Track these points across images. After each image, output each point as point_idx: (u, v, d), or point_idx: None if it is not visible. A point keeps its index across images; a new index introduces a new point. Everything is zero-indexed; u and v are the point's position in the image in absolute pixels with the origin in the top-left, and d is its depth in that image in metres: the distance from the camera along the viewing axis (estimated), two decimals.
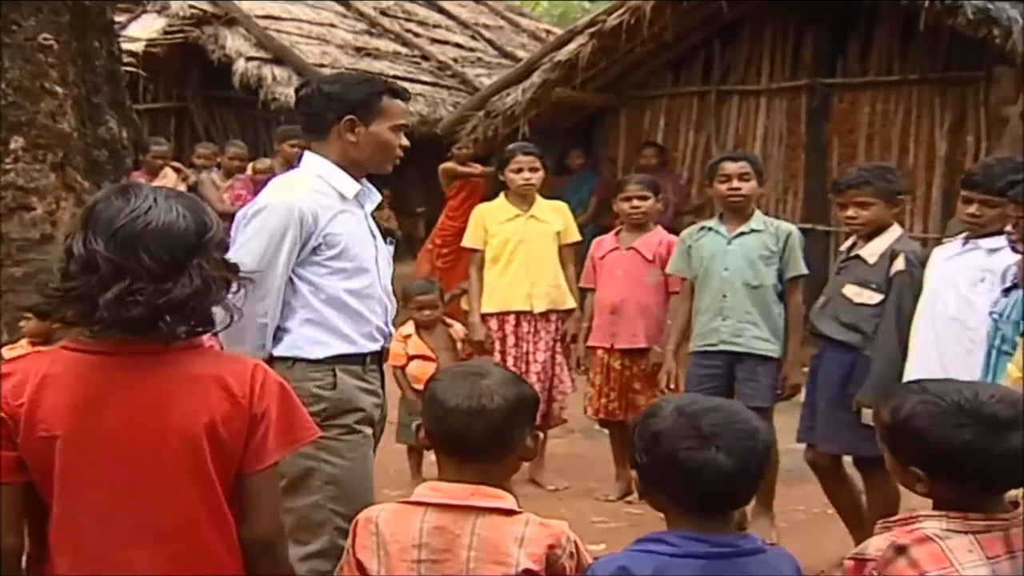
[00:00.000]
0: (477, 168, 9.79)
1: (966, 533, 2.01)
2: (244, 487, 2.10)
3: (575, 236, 6.06)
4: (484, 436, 2.17)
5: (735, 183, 5.17)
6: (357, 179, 3.32)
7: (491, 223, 5.95)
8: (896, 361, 4.46)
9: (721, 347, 5.18)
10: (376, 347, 3.32)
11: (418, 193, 11.42)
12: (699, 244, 5.31)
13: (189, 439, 2.03)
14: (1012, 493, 2.09)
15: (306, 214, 3.18)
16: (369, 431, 3.32)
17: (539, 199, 5.98)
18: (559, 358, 5.96)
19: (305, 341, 3.21)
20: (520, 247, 5.89)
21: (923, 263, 4.70)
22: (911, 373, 4.26)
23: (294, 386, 3.04)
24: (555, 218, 6.00)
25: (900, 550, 1.99)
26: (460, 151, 9.76)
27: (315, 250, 3.20)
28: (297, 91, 3.39)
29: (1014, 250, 3.87)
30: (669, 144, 9.67)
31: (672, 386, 5.38)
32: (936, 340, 4.26)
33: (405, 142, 3.38)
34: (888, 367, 4.50)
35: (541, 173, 5.90)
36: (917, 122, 8.58)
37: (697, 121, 9.59)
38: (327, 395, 3.22)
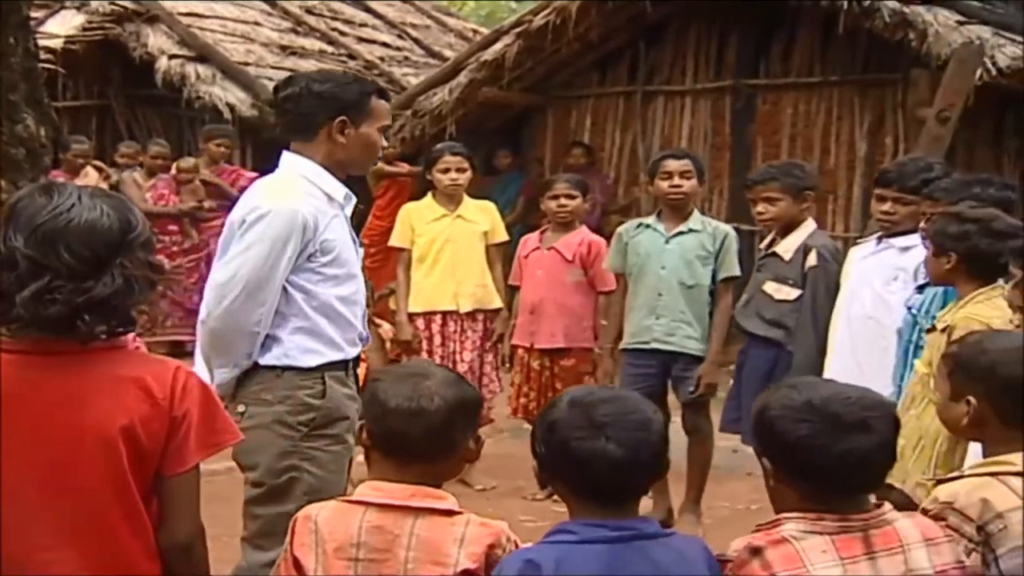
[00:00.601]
0: (404, 167, 9.77)
1: (821, 534, 2.03)
2: (163, 489, 2.08)
3: (502, 236, 6.09)
4: (424, 437, 2.17)
5: (676, 180, 5.18)
6: (341, 181, 3.27)
7: (418, 222, 5.94)
8: (813, 356, 4.56)
9: (654, 345, 5.21)
10: (357, 352, 3.30)
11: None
12: (636, 241, 5.32)
13: (105, 440, 2.01)
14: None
15: (308, 220, 3.11)
16: (352, 440, 3.24)
17: (466, 199, 5.98)
18: (487, 358, 5.98)
19: (297, 350, 3.15)
20: (447, 247, 5.89)
21: (837, 257, 4.81)
22: (828, 372, 4.34)
23: (284, 395, 3.01)
24: (482, 218, 6.01)
25: (755, 552, 2.03)
26: (387, 150, 9.71)
27: (311, 257, 3.14)
28: (279, 88, 3.29)
29: (927, 247, 3.97)
30: (596, 144, 9.72)
31: (610, 385, 5.38)
32: (852, 339, 4.35)
33: (386, 143, 3.36)
34: (806, 362, 4.60)
35: (468, 173, 5.90)
36: (838, 123, 8.72)
37: (623, 121, 9.65)
38: (317, 404, 3.18)
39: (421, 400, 2.18)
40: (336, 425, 3.21)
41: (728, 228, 5.34)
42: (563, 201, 5.74)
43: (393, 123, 9.67)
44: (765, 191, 4.84)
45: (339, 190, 3.24)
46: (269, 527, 3.12)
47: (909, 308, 3.95)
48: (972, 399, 2.32)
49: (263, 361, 3.14)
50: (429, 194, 6.06)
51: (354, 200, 3.33)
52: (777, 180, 4.83)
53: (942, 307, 3.76)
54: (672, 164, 5.23)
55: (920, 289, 3.98)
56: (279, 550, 3.10)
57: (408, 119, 9.63)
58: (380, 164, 9.74)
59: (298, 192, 3.16)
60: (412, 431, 2.18)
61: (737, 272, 5.22)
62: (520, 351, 5.80)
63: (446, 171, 5.86)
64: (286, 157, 3.27)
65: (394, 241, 6.08)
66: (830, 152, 8.75)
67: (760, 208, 4.86)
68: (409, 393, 2.19)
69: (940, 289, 3.81)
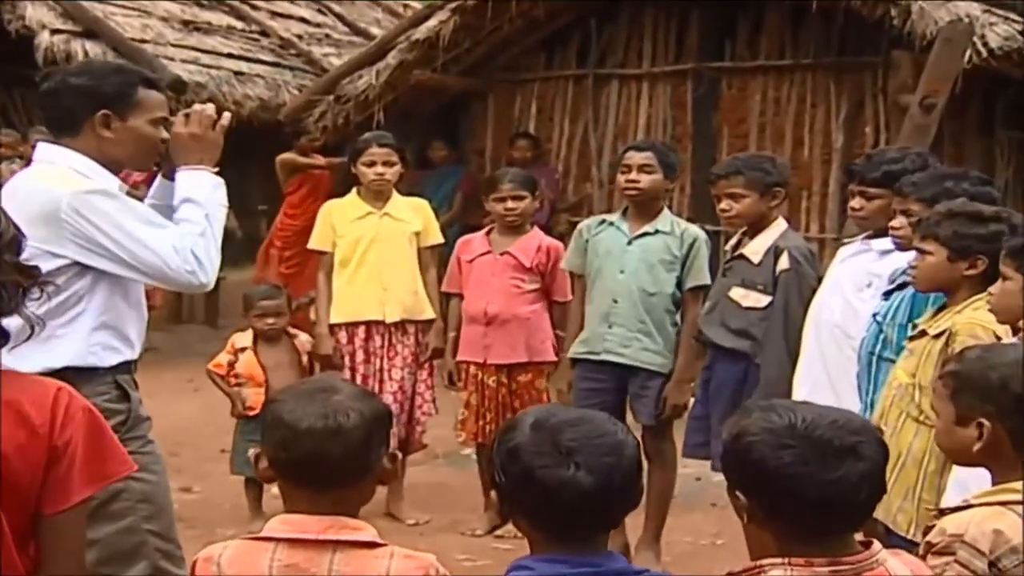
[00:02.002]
0: (320, 159, 9.72)
1: None
2: (43, 528, 2.04)
3: (436, 237, 6.08)
4: (343, 458, 2.16)
5: (634, 175, 5.22)
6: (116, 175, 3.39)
7: (340, 222, 5.91)
8: (784, 370, 4.59)
9: (605, 357, 5.26)
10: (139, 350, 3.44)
11: (259, 189, 11.28)
12: (596, 240, 5.36)
13: None
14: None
15: None
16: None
17: (396, 195, 5.97)
18: (420, 375, 5.97)
19: (99, 347, 3.27)
20: (372, 249, 5.87)
21: (812, 261, 4.87)
22: (797, 386, 4.39)
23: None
24: (414, 217, 5.99)
25: None
26: (308, 142, 9.68)
27: None
28: (39, 83, 3.42)
29: (899, 248, 4.00)
30: (542, 134, 9.74)
31: (567, 403, 5.45)
32: (820, 350, 4.38)
33: (166, 135, 3.41)
34: (776, 377, 4.64)
35: (398, 167, 5.88)
36: (812, 111, 8.77)
37: (573, 108, 9.67)
38: (122, 407, 3.28)
39: (338, 416, 2.17)
40: (142, 426, 3.36)
41: (698, 232, 5.38)
42: (511, 204, 5.74)
43: (312, 109, 9.74)
44: (729, 186, 4.87)
45: (112, 181, 3.35)
46: (113, 549, 3.18)
47: (874, 315, 3.99)
48: (985, 421, 2.32)
49: (54, 364, 3.12)
50: (354, 190, 6.04)
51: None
52: (742, 174, 4.86)
53: (912, 314, 3.80)
54: (633, 157, 5.27)
55: (887, 295, 4.01)
56: (139, 566, 3.05)
57: (330, 105, 9.57)
58: (292, 155, 9.73)
59: (77, 179, 3.27)
60: (331, 452, 2.16)
61: (707, 280, 5.27)
62: (472, 368, 5.78)
63: (372, 164, 5.84)
64: (49, 149, 3.36)
65: (313, 243, 6.05)
66: (803, 143, 8.80)
67: (724, 205, 4.90)
68: (321, 411, 2.18)
69: (907, 293, 3.85)
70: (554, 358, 5.70)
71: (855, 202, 4.37)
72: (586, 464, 2.01)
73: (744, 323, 4.87)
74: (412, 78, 9.42)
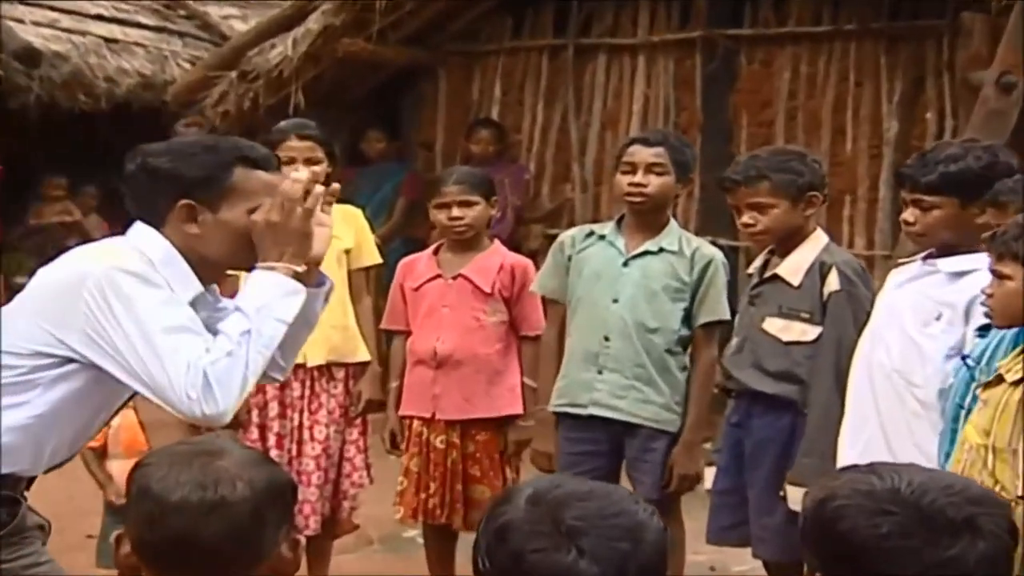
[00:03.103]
0: None
1: None
2: None
3: (372, 257, 6.09)
4: (225, 539, 2.18)
5: (640, 177, 5.26)
6: (204, 281, 3.48)
7: None
8: (836, 416, 4.62)
9: (593, 411, 5.31)
10: None
11: None
12: (583, 257, 5.40)
13: None
14: None
15: None
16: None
17: None
18: (350, 434, 5.97)
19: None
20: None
21: (866, 279, 4.92)
22: (844, 448, 4.45)
23: None
24: (342, 230, 5.90)
25: None
26: (187, 128, 9.59)
27: None
28: (127, 161, 3.54)
29: (995, 274, 3.99)
30: (509, 122, 9.76)
31: (552, 469, 5.46)
32: (874, 401, 4.42)
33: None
34: (826, 429, 4.67)
35: (323, 165, 5.83)
36: (856, 91, 8.79)
37: (548, 88, 9.68)
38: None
39: (219, 487, 2.20)
40: (27, 539, 3.48)
41: (714, 252, 5.40)
42: (456, 212, 5.72)
43: (210, 89, 9.65)
44: (752, 194, 4.92)
45: (190, 290, 3.45)
46: None
47: (964, 359, 4.00)
48: None
49: None
50: None
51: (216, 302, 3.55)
52: (767, 178, 4.91)
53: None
54: (639, 153, 5.30)
55: (983, 331, 4.02)
56: None
57: (232, 84, 9.58)
58: None
59: (126, 257, 3.40)
60: (207, 532, 2.18)
61: (725, 314, 5.31)
62: (415, 425, 5.82)
63: (290, 162, 5.79)
64: (137, 229, 3.49)
65: None
66: (845, 134, 8.83)
67: (747, 219, 4.94)
68: (199, 479, 2.20)
69: (1010, 332, 3.84)
70: (519, 410, 5.74)
71: (908, 214, 4.41)
72: (592, 550, 2.01)
73: (787, 363, 4.92)
74: (340, 48, 9.43)
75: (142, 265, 3.35)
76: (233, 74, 9.59)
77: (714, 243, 5.75)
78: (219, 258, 3.47)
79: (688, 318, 5.31)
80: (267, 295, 3.39)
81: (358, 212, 6.20)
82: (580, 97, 9.63)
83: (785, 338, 4.92)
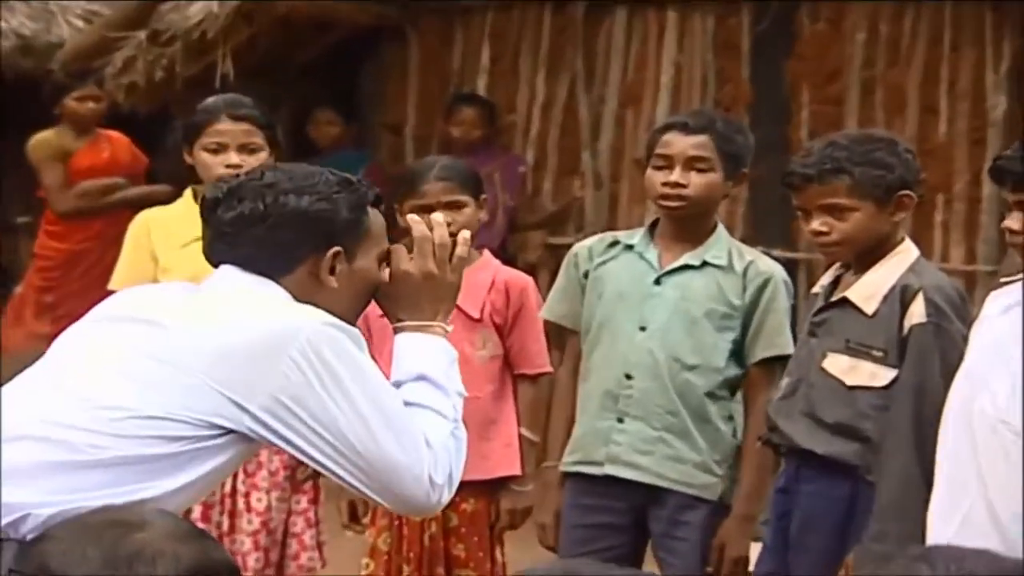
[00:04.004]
0: (118, 138, 9.73)
1: None
2: None
3: None
4: None
5: (677, 173, 5.25)
6: None
7: (165, 248, 5.94)
8: (917, 490, 4.59)
9: (610, 470, 5.34)
10: None
11: (20, 189, 11.21)
12: (603, 273, 5.41)
13: None
14: None
15: None
16: None
17: None
18: (298, 503, 6.01)
19: None
20: None
21: (962, 310, 4.91)
22: (935, 519, 4.34)
23: None
24: None
25: None
26: (82, 104, 9.62)
27: None
28: (216, 199, 3.65)
29: None
30: (499, 98, 9.82)
31: (551, 544, 5.54)
32: (975, 460, 4.31)
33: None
34: (904, 505, 4.67)
35: (264, 153, 5.91)
36: (953, 58, 8.84)
37: (551, 54, 9.72)
38: None
39: (136, 565, 2.31)
40: None
41: (774, 267, 5.44)
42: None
43: (111, 54, 9.74)
44: (828, 193, 4.89)
45: None
46: None
47: None
48: None
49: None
50: (187, 193, 6.12)
51: None
52: (848, 173, 4.88)
53: None
54: (675, 142, 5.31)
55: None
56: None
57: (140, 48, 9.59)
58: (55, 134, 9.74)
59: (315, 310, 3.56)
60: None
61: (788, 349, 5.31)
62: None
63: (220, 150, 5.87)
64: (239, 277, 3.63)
65: (117, 282, 6.01)
66: (938, 113, 8.88)
67: (819, 225, 4.91)
68: (109, 555, 2.32)
69: None
70: (516, 471, 5.75)
71: (1012, 219, 4.41)
72: None
73: (849, 413, 4.89)
74: (280, 4, 9.51)
75: (343, 323, 3.50)
76: (141, 35, 9.61)
77: (766, 254, 5.71)
78: (339, 313, 3.58)
79: (738, 353, 5.33)
80: (441, 361, 3.67)
81: None
82: (592, 66, 9.65)
83: (850, 381, 4.92)
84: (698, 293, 5.30)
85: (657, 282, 5.32)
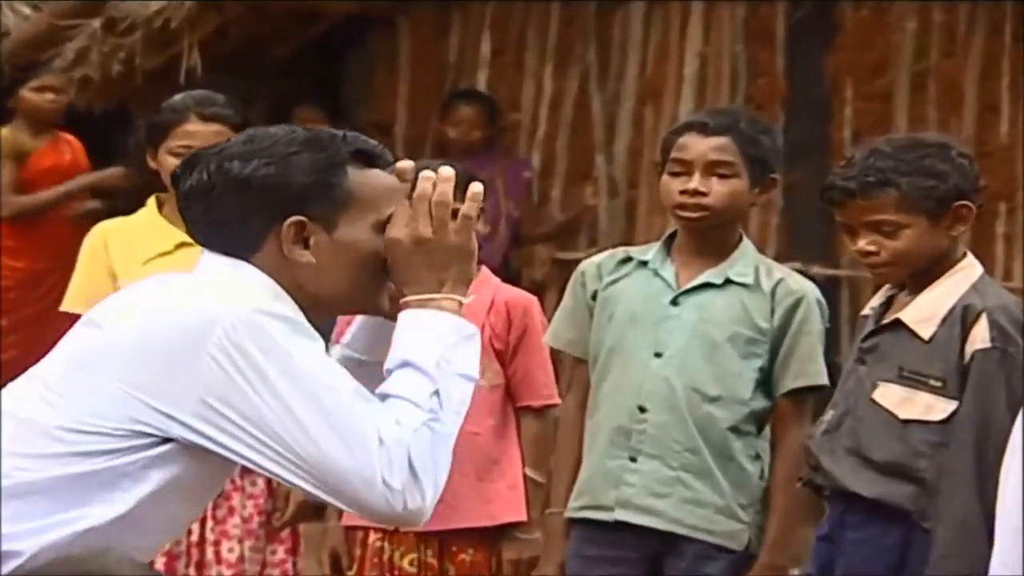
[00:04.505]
0: (76, 143, 9.76)
1: None
2: None
3: None
4: None
5: (696, 180, 5.25)
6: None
7: (126, 263, 6.01)
8: (978, 535, 4.59)
9: (621, 515, 5.33)
10: None
11: None
12: (614, 293, 5.42)
13: None
14: None
15: None
16: None
17: None
18: (273, 552, 6.06)
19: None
20: None
21: None
22: (997, 565, 4.28)
23: None
24: None
25: None
26: (40, 95, 9.62)
27: None
28: (181, 174, 3.61)
29: None
30: (502, 95, 9.87)
31: None
32: None
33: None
34: (964, 554, 4.67)
35: None
36: (1014, 51, 8.83)
37: (560, 45, 9.76)
38: None
39: None
40: None
41: (806, 285, 5.45)
42: None
43: (62, 44, 9.72)
44: (874, 209, 4.90)
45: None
46: None
47: None
48: None
49: None
50: (151, 201, 6.16)
51: None
52: (896, 185, 4.89)
53: None
54: (693, 145, 5.32)
55: None
56: None
57: (95, 38, 9.61)
58: (13, 132, 9.73)
59: (255, 294, 3.53)
60: None
61: (822, 379, 5.34)
62: (372, 539, 5.85)
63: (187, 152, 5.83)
64: (216, 261, 3.60)
65: (70, 303, 6.10)
66: (999, 111, 8.90)
67: (865, 243, 4.92)
68: None
69: None
70: (521, 516, 5.78)
71: None
72: None
73: (901, 451, 4.90)
74: None
75: (283, 306, 3.46)
76: (96, 23, 9.63)
77: (804, 273, 5.71)
78: (336, 294, 3.58)
79: (766, 382, 5.34)
80: (439, 342, 3.49)
81: None
82: (607, 58, 9.69)
83: (904, 415, 4.91)
84: (720, 315, 5.31)
85: (674, 303, 5.33)
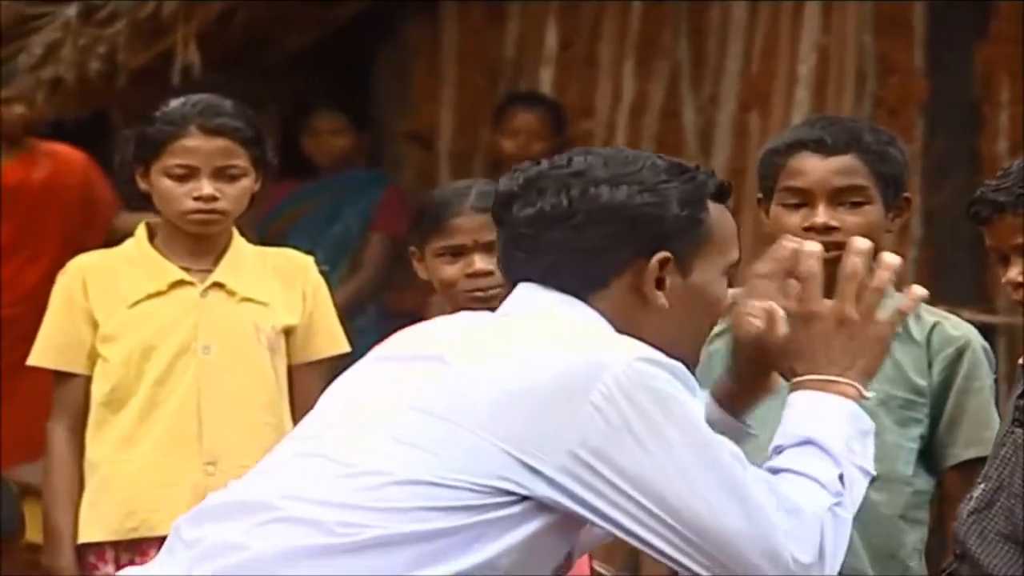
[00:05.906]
0: (66, 154, 9.81)
1: None
2: None
3: (332, 343, 6.28)
4: None
5: (822, 214, 5.27)
6: None
7: (105, 307, 6.07)
8: None
9: None
10: None
11: None
12: (718, 351, 5.37)
13: None
14: None
15: None
16: None
17: (238, 241, 6.19)
18: None
19: None
20: (185, 367, 6.07)
21: None
22: None
23: None
24: (279, 293, 6.15)
25: None
26: (7, 108, 9.70)
27: None
28: (525, 189, 3.76)
29: None
30: (570, 98, 9.92)
31: None
32: None
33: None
34: None
35: (248, 180, 6.05)
36: None
37: (642, 38, 9.83)
38: None
39: None
40: None
41: (969, 332, 5.46)
42: (479, 263, 5.74)
43: (29, 37, 9.74)
44: None
45: None
46: None
47: None
48: None
49: None
50: (139, 229, 6.23)
51: None
52: None
53: None
54: (811, 169, 5.34)
55: None
56: None
57: (70, 29, 9.69)
58: None
59: (626, 341, 3.67)
60: None
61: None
62: None
63: (188, 176, 5.97)
64: (539, 296, 3.77)
65: (39, 358, 6.17)
66: None
67: (1017, 272, 4.91)
68: None
69: None
70: None
71: None
72: None
73: None
74: None
75: (659, 354, 3.57)
76: (71, 11, 9.72)
77: (948, 315, 5.72)
78: (671, 343, 3.69)
79: (925, 454, 5.37)
80: (843, 427, 3.69)
81: (307, 262, 6.32)
82: (701, 53, 9.74)
83: None
84: None
85: None
